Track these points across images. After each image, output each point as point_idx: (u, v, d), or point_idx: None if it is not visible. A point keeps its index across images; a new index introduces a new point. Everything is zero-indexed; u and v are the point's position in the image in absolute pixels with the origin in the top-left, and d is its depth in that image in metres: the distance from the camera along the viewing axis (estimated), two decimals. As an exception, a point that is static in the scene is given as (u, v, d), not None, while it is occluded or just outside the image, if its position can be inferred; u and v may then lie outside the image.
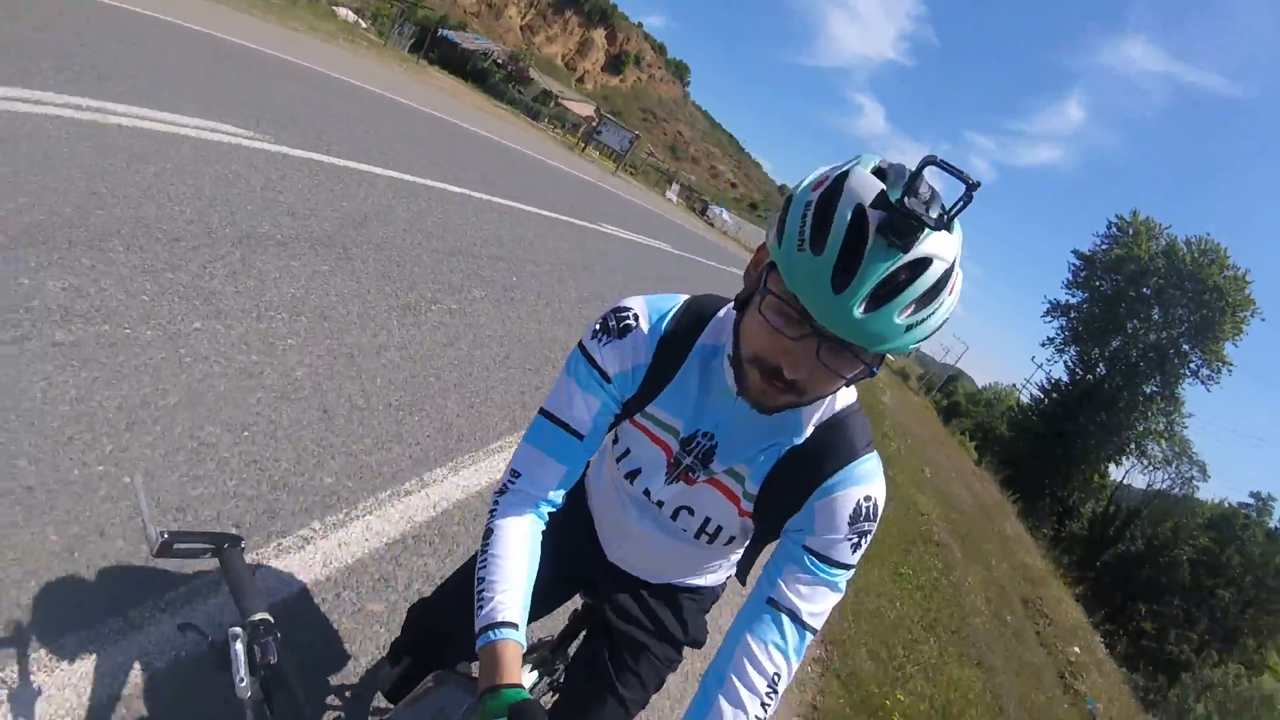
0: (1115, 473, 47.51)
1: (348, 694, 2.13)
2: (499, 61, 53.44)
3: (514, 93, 49.41)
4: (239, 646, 0.99)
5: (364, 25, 36.01)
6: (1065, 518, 44.17)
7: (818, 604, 1.15)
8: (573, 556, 1.54)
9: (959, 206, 0.88)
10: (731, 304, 1.21)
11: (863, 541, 1.17)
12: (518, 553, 1.18)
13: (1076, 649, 11.09)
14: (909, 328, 0.91)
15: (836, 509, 1.15)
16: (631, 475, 1.36)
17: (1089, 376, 45.08)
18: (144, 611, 1.94)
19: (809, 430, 1.20)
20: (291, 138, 6.78)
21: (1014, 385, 53.79)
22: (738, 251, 42.10)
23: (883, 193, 0.86)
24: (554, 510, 1.29)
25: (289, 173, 5.84)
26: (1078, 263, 46.16)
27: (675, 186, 73.33)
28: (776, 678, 1.12)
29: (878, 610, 5.95)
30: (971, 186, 0.86)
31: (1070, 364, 46.53)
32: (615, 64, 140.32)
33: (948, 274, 0.92)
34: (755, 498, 1.24)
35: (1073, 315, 46.30)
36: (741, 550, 1.42)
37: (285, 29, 16.41)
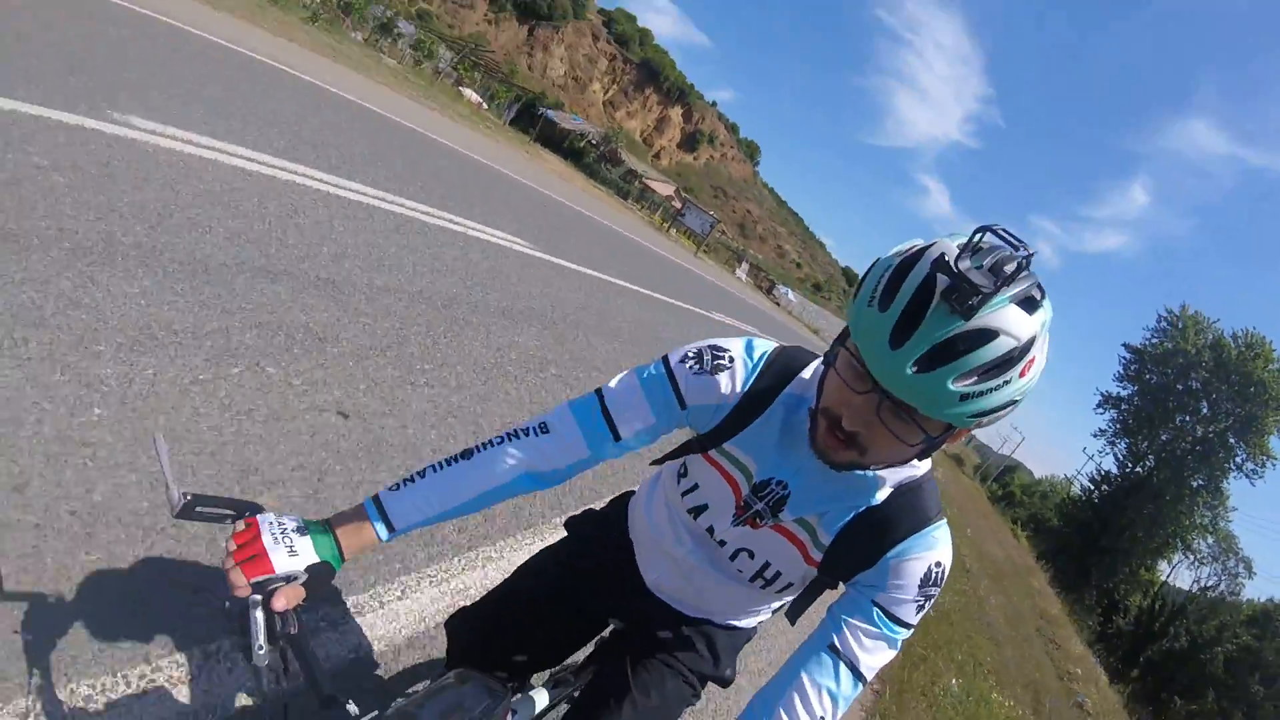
0: (1164, 569, 46.90)
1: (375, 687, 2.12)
2: (593, 142, 58.17)
3: (605, 171, 53.99)
4: (258, 614, 0.98)
5: (485, 107, 40.98)
6: (1111, 612, 43.65)
7: (876, 658, 1.16)
8: (609, 583, 1.55)
9: (1019, 279, 0.90)
10: (820, 359, 1.24)
11: (927, 605, 1.19)
12: (466, 486, 1.19)
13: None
14: (965, 397, 0.91)
15: (909, 570, 1.17)
16: (696, 511, 1.36)
17: (1138, 469, 45.17)
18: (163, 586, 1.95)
19: (885, 493, 1.22)
20: (475, 217, 8.57)
21: (1067, 477, 53.49)
22: (801, 330, 44.31)
23: (954, 259, 0.88)
24: (545, 485, 1.28)
25: (489, 252, 7.50)
26: (1128, 355, 46.53)
27: (744, 265, 76.79)
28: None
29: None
30: (1026, 253, 0.91)
31: (1120, 456, 46.53)
32: (690, 141, 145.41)
33: (1017, 353, 0.91)
34: (826, 549, 1.26)
35: (1124, 408, 46.56)
36: (791, 596, 1.41)
37: (427, 109, 20.25)
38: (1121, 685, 21.64)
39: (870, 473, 1.17)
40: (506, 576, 1.62)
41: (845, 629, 1.16)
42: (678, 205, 63.22)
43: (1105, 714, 11.05)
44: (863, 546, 1.20)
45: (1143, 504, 42.63)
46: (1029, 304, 0.92)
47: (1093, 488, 48.36)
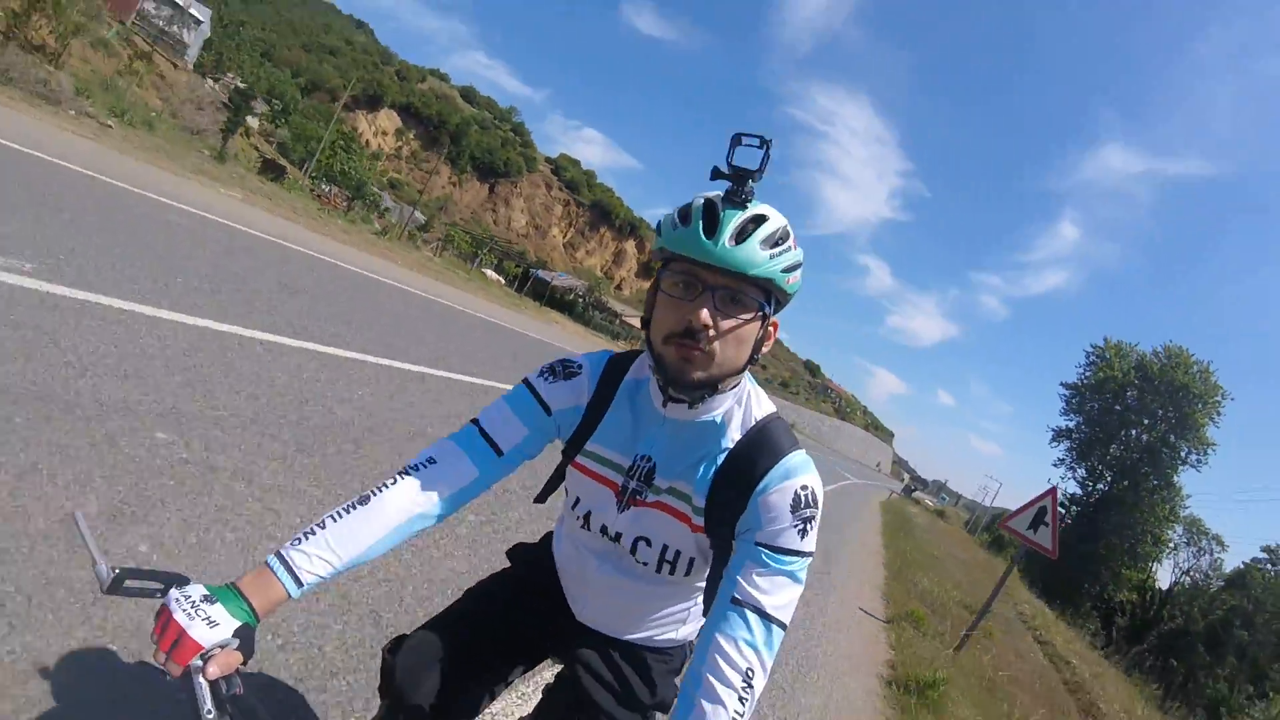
0: (1154, 569, 51.98)
1: None
2: (580, 294, 67.56)
3: (596, 318, 63.16)
4: (201, 681, 0.99)
5: (502, 281, 50.08)
6: (1110, 618, 48.05)
7: (779, 596, 1.21)
8: (543, 620, 1.59)
9: (763, 164, 1.17)
10: (642, 354, 1.41)
11: (809, 527, 1.26)
12: (368, 529, 1.22)
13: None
14: (772, 255, 1.17)
15: (776, 502, 1.25)
16: (586, 519, 1.45)
17: (1099, 486, 51.51)
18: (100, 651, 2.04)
19: (736, 435, 1.33)
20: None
21: None
22: None
23: (721, 188, 1.20)
24: (444, 512, 1.33)
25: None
26: (1066, 392, 53.97)
27: None
28: (750, 673, 1.16)
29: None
30: (766, 141, 1.16)
31: (1080, 479, 52.96)
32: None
33: (784, 229, 1.20)
34: (703, 510, 1.33)
35: (1074, 437, 53.21)
36: (700, 581, 1.48)
37: (468, 293, 26.24)
38: (1138, 679, 24.74)
39: (717, 418, 1.32)
40: (448, 605, 1.61)
41: (740, 579, 1.22)
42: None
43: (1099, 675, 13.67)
44: (731, 493, 1.29)
45: (1110, 514, 48.80)
46: (771, 208, 1.22)
47: (1063, 511, 52.79)
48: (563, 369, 1.43)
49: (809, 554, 1.27)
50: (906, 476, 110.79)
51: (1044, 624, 17.73)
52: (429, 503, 1.29)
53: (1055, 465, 54.50)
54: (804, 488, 1.27)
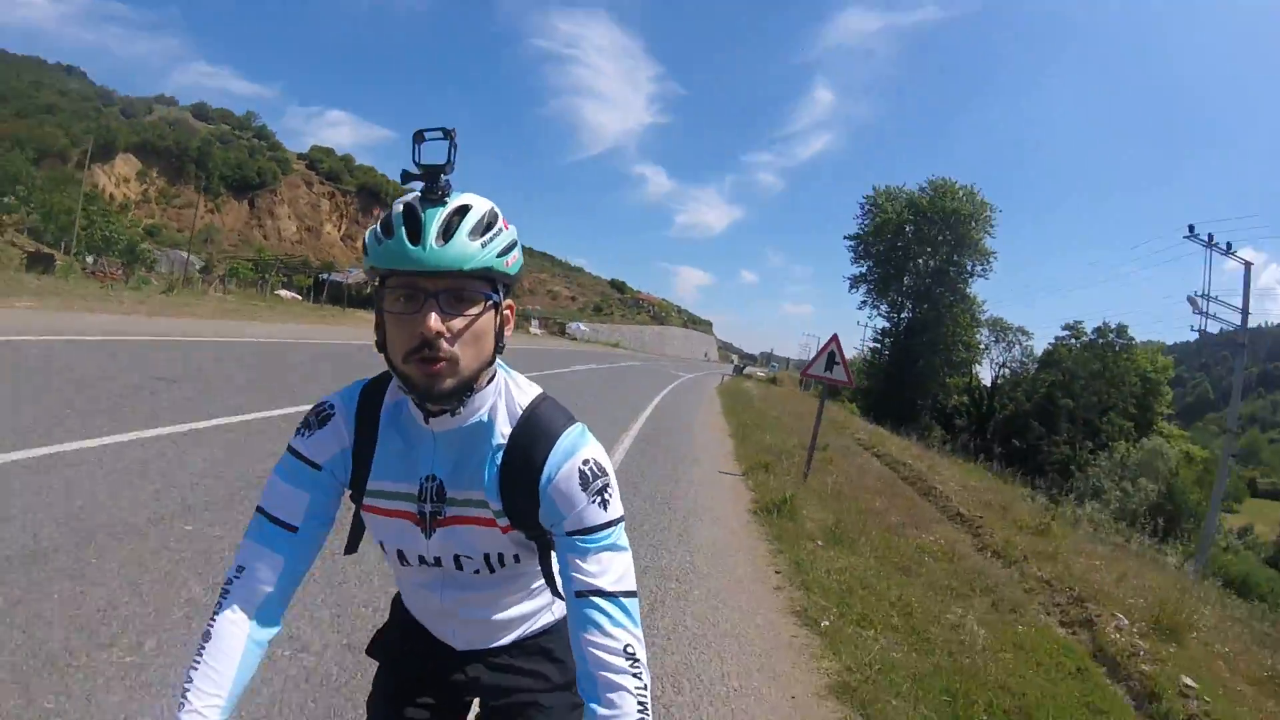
0: (977, 371, 59.32)
1: None
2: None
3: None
4: None
5: (297, 296, 48.69)
6: (950, 423, 54.42)
7: (614, 570, 1.23)
8: (440, 680, 1.56)
9: (450, 155, 1.13)
10: (389, 377, 1.33)
11: (606, 495, 1.26)
12: (227, 659, 1.20)
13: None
14: (484, 244, 1.13)
15: (564, 487, 1.25)
16: (402, 557, 1.41)
17: (904, 316, 56.51)
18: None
19: (507, 428, 1.30)
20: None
21: (857, 349, 61.56)
22: (605, 350, 53.20)
23: (413, 191, 1.16)
24: (278, 610, 1.30)
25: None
26: (850, 243, 58.40)
27: (534, 322, 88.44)
28: (629, 648, 1.18)
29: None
30: (450, 132, 1.13)
31: (885, 313, 57.79)
32: None
33: (491, 213, 1.17)
34: (504, 512, 1.31)
35: (869, 279, 57.49)
36: (533, 568, 1.47)
37: (275, 322, 25.44)
38: (975, 463, 27.45)
39: (484, 416, 1.29)
40: None
41: (572, 573, 1.22)
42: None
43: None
44: (520, 489, 1.27)
45: (920, 336, 54.09)
46: (473, 195, 1.19)
47: (878, 345, 58.95)
48: (316, 418, 1.36)
49: (619, 520, 1.28)
50: (735, 358, 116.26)
51: (879, 442, 20.43)
52: (258, 610, 1.27)
53: (859, 308, 59.37)
54: (585, 462, 1.27)
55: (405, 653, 1.58)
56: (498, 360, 1.28)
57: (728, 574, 5.83)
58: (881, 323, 58.84)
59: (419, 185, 1.15)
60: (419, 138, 1.14)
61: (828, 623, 4.91)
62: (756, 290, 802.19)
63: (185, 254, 59.76)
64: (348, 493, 1.40)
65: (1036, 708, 4.23)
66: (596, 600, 1.20)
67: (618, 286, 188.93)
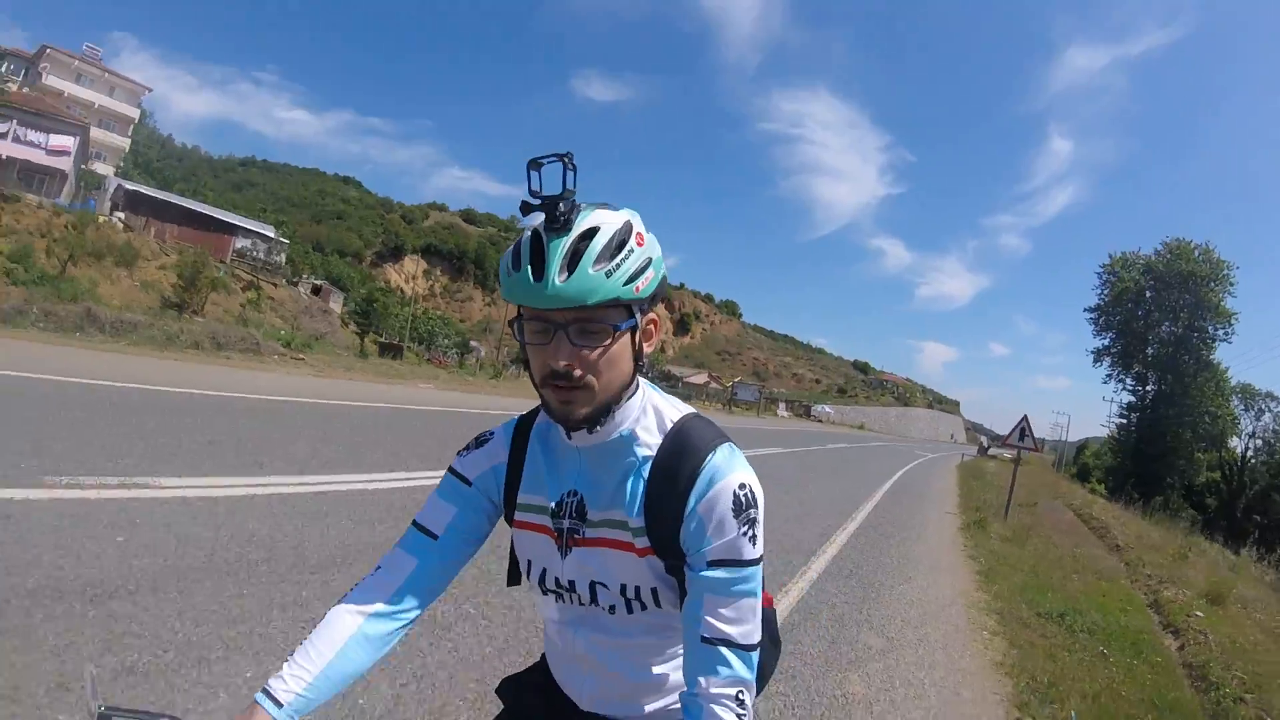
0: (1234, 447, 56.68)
1: None
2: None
3: (663, 388, 69.45)
4: None
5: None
6: (1198, 500, 52.48)
7: (747, 622, 1.18)
8: None
9: (567, 179, 1.08)
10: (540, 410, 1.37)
11: (755, 531, 1.20)
12: (329, 643, 1.22)
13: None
14: (609, 273, 1.08)
15: (716, 509, 1.18)
16: (541, 579, 1.37)
17: (1149, 388, 55.90)
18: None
19: (654, 441, 1.26)
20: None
21: (1103, 425, 62.56)
22: (852, 433, 56.92)
23: (535, 224, 1.11)
24: (401, 612, 1.30)
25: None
26: (1091, 315, 58.16)
27: (781, 405, 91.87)
28: (740, 695, 1.15)
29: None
30: (565, 156, 1.08)
31: (1130, 387, 57.46)
32: (682, 326, 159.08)
33: (621, 231, 1.11)
34: (644, 530, 1.25)
35: (1112, 352, 57.35)
36: (674, 610, 1.33)
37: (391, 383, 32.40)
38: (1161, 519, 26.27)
39: (625, 431, 1.25)
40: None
41: (706, 616, 1.17)
42: (721, 388, 78.82)
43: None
44: (664, 503, 1.21)
45: (1166, 409, 53.00)
46: (606, 207, 1.15)
47: (1125, 420, 58.28)
48: (475, 441, 1.41)
49: (760, 560, 1.21)
50: (983, 439, 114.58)
51: (1085, 504, 23.33)
52: (377, 607, 1.27)
53: (1104, 382, 58.44)
54: (742, 486, 1.19)
55: (525, 704, 1.53)
56: (639, 379, 1.26)
57: (941, 544, 11.11)
58: (1127, 397, 58.08)
59: (538, 227, 1.11)
60: (534, 165, 1.09)
61: (988, 566, 9.88)
62: (1006, 363, 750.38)
63: (478, 345, 69.20)
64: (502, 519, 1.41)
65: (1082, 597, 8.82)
66: (722, 650, 1.16)
67: (860, 367, 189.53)
